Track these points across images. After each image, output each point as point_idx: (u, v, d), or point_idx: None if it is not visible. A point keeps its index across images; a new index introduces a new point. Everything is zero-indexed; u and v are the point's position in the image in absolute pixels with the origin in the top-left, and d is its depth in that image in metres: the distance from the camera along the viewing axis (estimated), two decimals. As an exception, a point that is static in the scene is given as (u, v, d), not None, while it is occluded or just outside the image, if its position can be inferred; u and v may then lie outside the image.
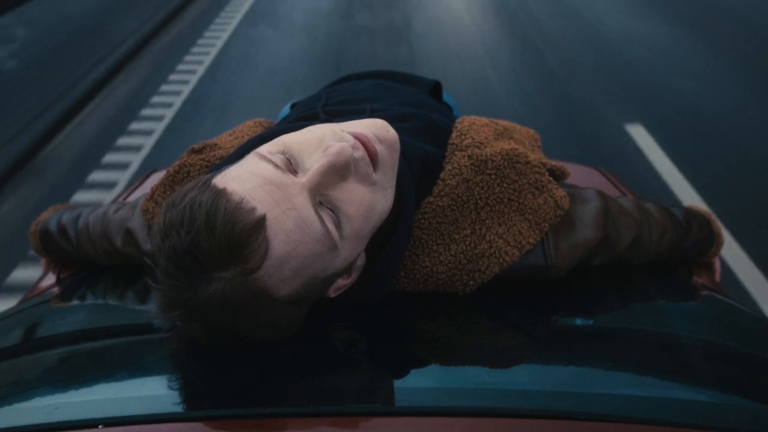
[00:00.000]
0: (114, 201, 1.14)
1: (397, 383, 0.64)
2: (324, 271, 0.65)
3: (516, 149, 0.82)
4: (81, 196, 3.18)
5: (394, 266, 0.75)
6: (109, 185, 3.28)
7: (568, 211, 0.81)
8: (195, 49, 5.30)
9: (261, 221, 0.59)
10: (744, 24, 5.56)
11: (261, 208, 0.60)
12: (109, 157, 3.58)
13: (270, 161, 0.64)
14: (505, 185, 0.79)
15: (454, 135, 0.86)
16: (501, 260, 0.76)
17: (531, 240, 0.77)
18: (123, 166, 3.48)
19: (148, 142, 3.74)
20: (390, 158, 0.69)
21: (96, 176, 3.39)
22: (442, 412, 0.57)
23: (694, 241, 0.99)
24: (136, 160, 3.54)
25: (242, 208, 0.59)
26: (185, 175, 0.87)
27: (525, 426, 0.56)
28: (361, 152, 0.66)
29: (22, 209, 3.12)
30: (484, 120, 0.90)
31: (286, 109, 1.34)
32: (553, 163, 0.88)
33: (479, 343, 0.73)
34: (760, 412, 0.62)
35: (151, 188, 0.87)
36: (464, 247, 0.76)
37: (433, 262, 0.76)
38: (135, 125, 3.96)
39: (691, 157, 3.41)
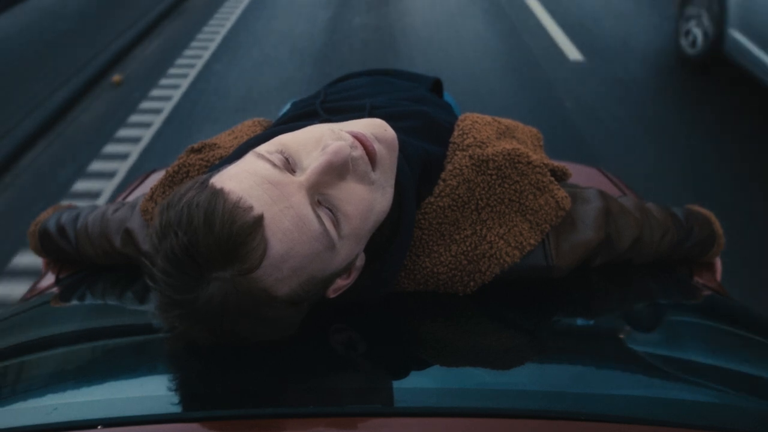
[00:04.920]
0: (113, 201, 1.14)
1: (397, 384, 0.64)
2: (323, 270, 0.65)
3: (518, 149, 0.81)
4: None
5: (396, 267, 0.75)
6: (94, 194, 3.22)
7: (569, 211, 0.81)
8: (187, 52, 5.25)
9: (258, 220, 0.59)
10: None
11: (258, 207, 0.60)
12: (96, 165, 3.51)
13: (268, 160, 0.64)
14: (506, 186, 0.79)
15: (455, 134, 0.86)
16: (502, 261, 0.76)
17: (532, 241, 0.77)
18: (109, 175, 3.41)
19: (136, 150, 3.66)
20: (389, 157, 0.69)
21: (81, 185, 3.33)
22: (442, 413, 0.57)
23: (695, 241, 0.99)
24: (122, 168, 3.47)
25: (240, 207, 0.59)
26: (184, 175, 0.87)
27: (525, 426, 0.56)
28: (359, 151, 0.66)
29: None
30: (487, 118, 0.90)
31: (286, 108, 1.34)
32: (555, 163, 0.88)
33: (479, 344, 0.73)
34: (761, 413, 0.62)
35: (151, 188, 0.87)
36: (465, 248, 0.76)
37: (433, 262, 0.76)
38: (123, 132, 3.89)
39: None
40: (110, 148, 3.70)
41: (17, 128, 3.76)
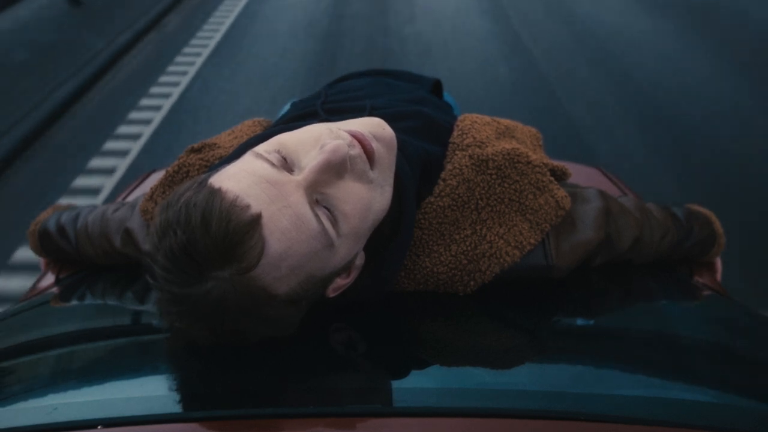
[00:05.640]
0: (113, 201, 1.14)
1: (397, 384, 0.64)
2: (322, 269, 0.65)
3: (517, 149, 0.81)
4: (64, 202, 3.13)
5: (396, 266, 0.75)
6: (93, 191, 3.23)
7: (569, 211, 0.81)
8: (186, 50, 5.25)
9: (256, 219, 0.59)
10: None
11: (256, 206, 0.60)
12: (95, 162, 3.52)
13: (266, 160, 0.64)
14: (506, 185, 0.79)
15: (455, 134, 0.86)
16: (502, 260, 0.76)
17: (532, 240, 0.77)
18: (109, 171, 3.42)
19: (135, 147, 3.68)
20: (387, 156, 0.69)
21: (81, 181, 3.34)
22: (442, 413, 0.57)
23: (695, 240, 0.99)
24: (122, 165, 3.48)
25: (236, 206, 0.59)
26: (184, 175, 0.87)
27: (525, 426, 0.56)
28: (357, 150, 0.66)
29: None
30: (486, 119, 0.90)
31: (286, 108, 1.34)
32: (555, 163, 0.88)
33: (479, 344, 0.73)
34: (761, 413, 0.62)
35: (150, 188, 0.87)
36: (465, 248, 0.76)
37: (433, 262, 0.76)
38: (122, 129, 3.90)
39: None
40: (110, 145, 3.72)
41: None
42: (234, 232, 0.58)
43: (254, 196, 0.61)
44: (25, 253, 2.75)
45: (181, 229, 0.59)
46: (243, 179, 0.62)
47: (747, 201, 3.01)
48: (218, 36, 5.60)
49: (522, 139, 0.91)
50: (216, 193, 0.60)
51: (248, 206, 0.60)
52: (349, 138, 0.66)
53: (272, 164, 0.63)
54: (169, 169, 0.89)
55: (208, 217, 0.58)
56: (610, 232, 0.83)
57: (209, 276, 0.60)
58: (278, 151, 0.65)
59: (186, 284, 0.60)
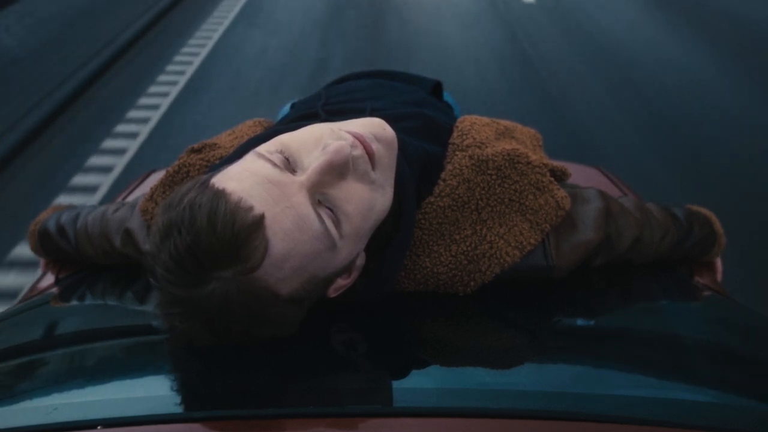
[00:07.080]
0: (113, 201, 1.14)
1: (397, 384, 0.64)
2: (324, 270, 0.65)
3: (517, 149, 0.81)
4: (62, 201, 3.13)
5: (396, 266, 0.75)
6: (91, 189, 3.23)
7: (569, 212, 0.81)
8: (185, 50, 5.26)
9: (260, 220, 0.59)
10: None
11: (259, 207, 0.60)
12: (93, 160, 3.53)
13: (268, 160, 0.64)
14: (506, 186, 0.79)
15: (455, 134, 0.86)
16: (502, 261, 0.76)
17: (532, 241, 0.77)
18: (107, 170, 3.42)
19: (133, 145, 3.69)
20: (388, 157, 0.69)
21: (79, 179, 3.34)
22: (443, 413, 0.57)
23: (695, 240, 0.99)
24: (119, 163, 3.49)
25: (241, 207, 0.59)
26: (185, 175, 0.87)
27: (525, 426, 0.56)
28: (359, 151, 0.66)
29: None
30: (485, 120, 0.90)
31: (285, 109, 1.34)
32: (555, 163, 0.88)
33: (480, 344, 0.73)
34: (761, 413, 0.62)
35: (151, 188, 0.87)
36: (465, 248, 0.76)
37: (433, 262, 0.76)
38: (120, 127, 3.90)
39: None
40: (108, 144, 3.72)
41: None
42: (238, 233, 0.58)
43: (257, 196, 0.61)
44: (23, 250, 2.75)
45: (185, 230, 0.59)
46: (246, 180, 0.62)
47: (747, 201, 3.02)
48: (216, 36, 5.61)
49: (522, 139, 0.92)
50: (220, 194, 0.60)
51: (252, 207, 0.60)
52: (350, 138, 0.66)
53: (275, 165, 0.63)
54: (170, 169, 0.88)
55: (213, 219, 0.58)
56: (610, 232, 0.83)
57: (213, 276, 0.60)
58: (280, 152, 0.65)
59: (189, 285, 0.60)
